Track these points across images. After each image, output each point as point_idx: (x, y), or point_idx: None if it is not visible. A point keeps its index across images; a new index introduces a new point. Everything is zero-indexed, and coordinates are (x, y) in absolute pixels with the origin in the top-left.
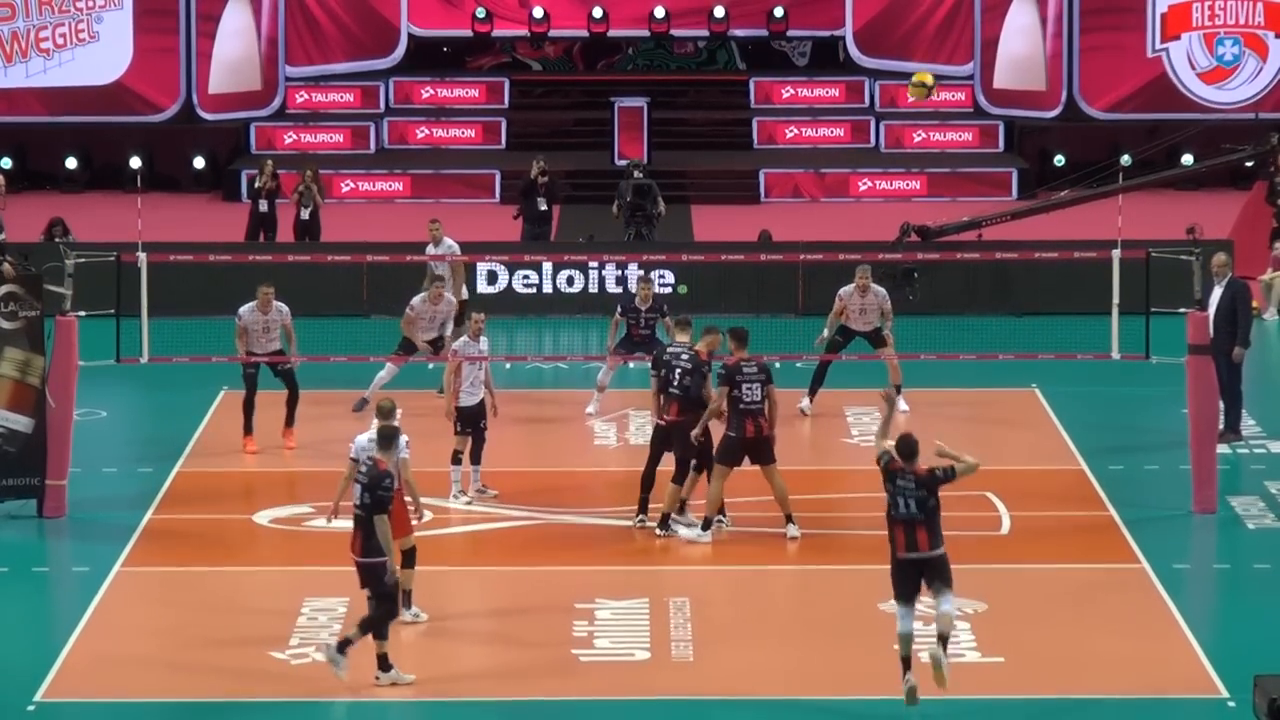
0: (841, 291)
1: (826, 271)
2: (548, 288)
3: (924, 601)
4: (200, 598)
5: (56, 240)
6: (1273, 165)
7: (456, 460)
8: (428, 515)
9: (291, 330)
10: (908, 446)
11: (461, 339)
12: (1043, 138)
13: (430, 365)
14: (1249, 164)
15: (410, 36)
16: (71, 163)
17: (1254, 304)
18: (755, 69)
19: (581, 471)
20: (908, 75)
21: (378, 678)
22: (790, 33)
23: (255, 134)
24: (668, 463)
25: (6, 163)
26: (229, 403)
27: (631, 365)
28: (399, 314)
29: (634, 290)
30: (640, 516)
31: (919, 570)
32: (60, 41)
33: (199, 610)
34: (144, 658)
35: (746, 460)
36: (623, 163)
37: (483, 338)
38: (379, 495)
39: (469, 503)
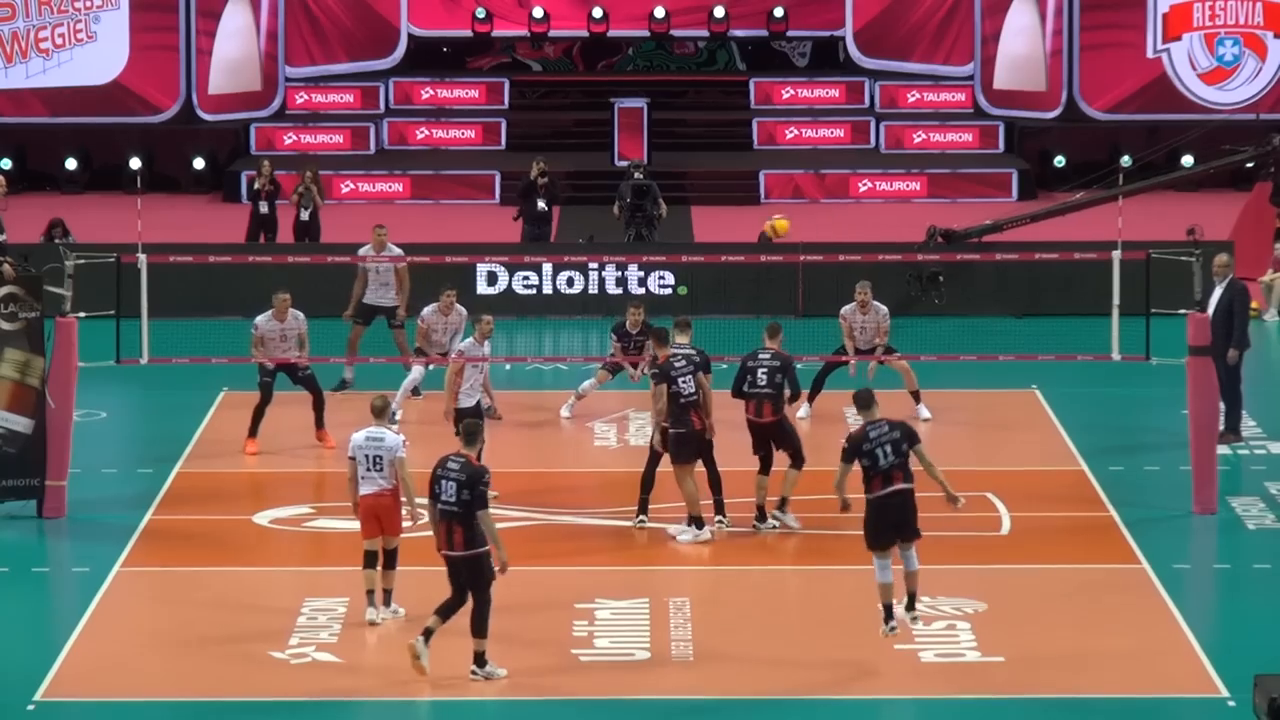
0: (844, 311)
1: (826, 272)
2: (548, 289)
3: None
4: (200, 598)
5: (56, 241)
6: (1275, 166)
7: None
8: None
9: (306, 338)
10: (865, 396)
11: (468, 340)
12: (1043, 138)
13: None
14: (1248, 165)
15: (410, 37)
16: (71, 163)
17: (1254, 305)
18: (755, 69)
19: (581, 472)
20: (908, 75)
21: (474, 672)
22: (790, 33)
23: (255, 134)
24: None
25: (6, 163)
26: (229, 403)
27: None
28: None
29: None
30: (640, 517)
31: (897, 509)
32: (59, 41)
33: (199, 610)
34: (144, 658)
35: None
36: (624, 163)
37: (486, 341)
38: (479, 491)
39: None
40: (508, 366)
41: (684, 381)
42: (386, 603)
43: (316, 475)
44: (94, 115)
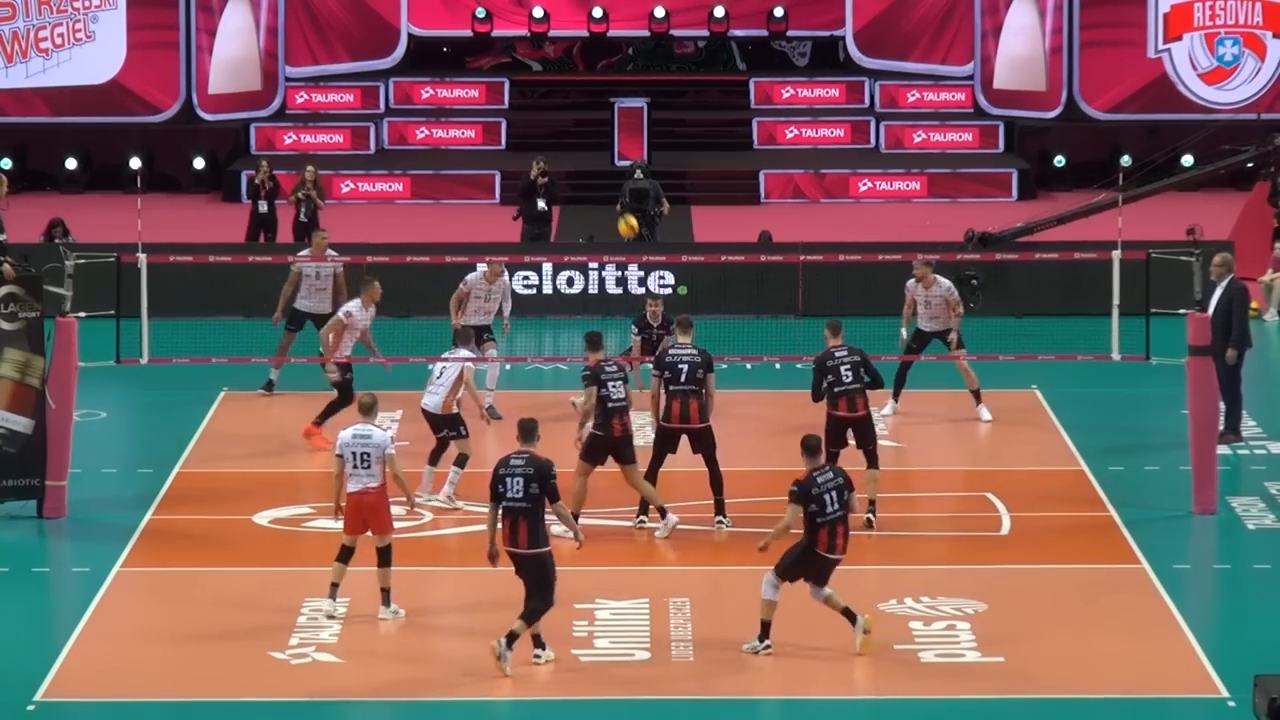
0: (907, 284)
1: (826, 272)
2: (547, 288)
3: (923, 601)
4: (200, 598)
5: (56, 241)
6: (1275, 166)
7: (459, 463)
8: (427, 515)
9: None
10: (813, 443)
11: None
12: (1043, 138)
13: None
14: (1249, 164)
15: (410, 36)
16: (71, 163)
17: (1254, 305)
18: (755, 69)
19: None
20: (908, 75)
21: (537, 656)
22: (790, 33)
23: (255, 134)
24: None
25: (7, 163)
26: (229, 403)
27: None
28: (398, 314)
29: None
30: (640, 517)
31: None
32: (59, 41)
33: (199, 610)
34: (144, 658)
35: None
36: (625, 163)
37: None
38: (550, 485)
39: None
40: (508, 366)
41: (613, 386)
42: (386, 602)
43: (317, 475)
44: (94, 115)
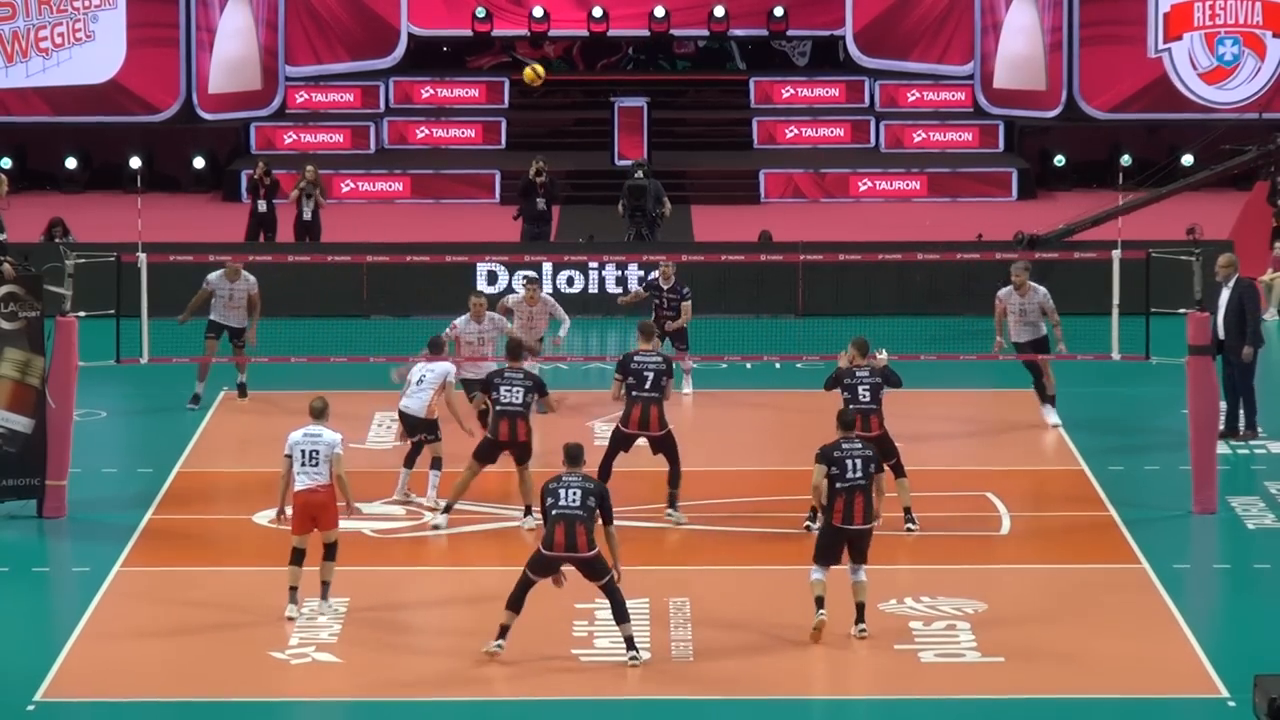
0: (1000, 293)
1: (826, 272)
2: (547, 288)
3: (923, 601)
4: (200, 598)
5: (56, 241)
6: (1275, 166)
7: (436, 465)
8: (426, 515)
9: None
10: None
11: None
12: (1043, 138)
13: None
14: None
15: (410, 36)
16: (71, 163)
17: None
18: (755, 69)
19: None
20: (908, 75)
21: (634, 658)
22: (790, 32)
23: (255, 134)
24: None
25: (6, 163)
26: (229, 403)
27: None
28: (399, 314)
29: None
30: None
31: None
32: (59, 41)
33: (199, 610)
34: (144, 658)
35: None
36: (626, 163)
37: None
38: (608, 504)
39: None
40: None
41: (505, 390)
42: (325, 596)
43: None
44: (94, 114)
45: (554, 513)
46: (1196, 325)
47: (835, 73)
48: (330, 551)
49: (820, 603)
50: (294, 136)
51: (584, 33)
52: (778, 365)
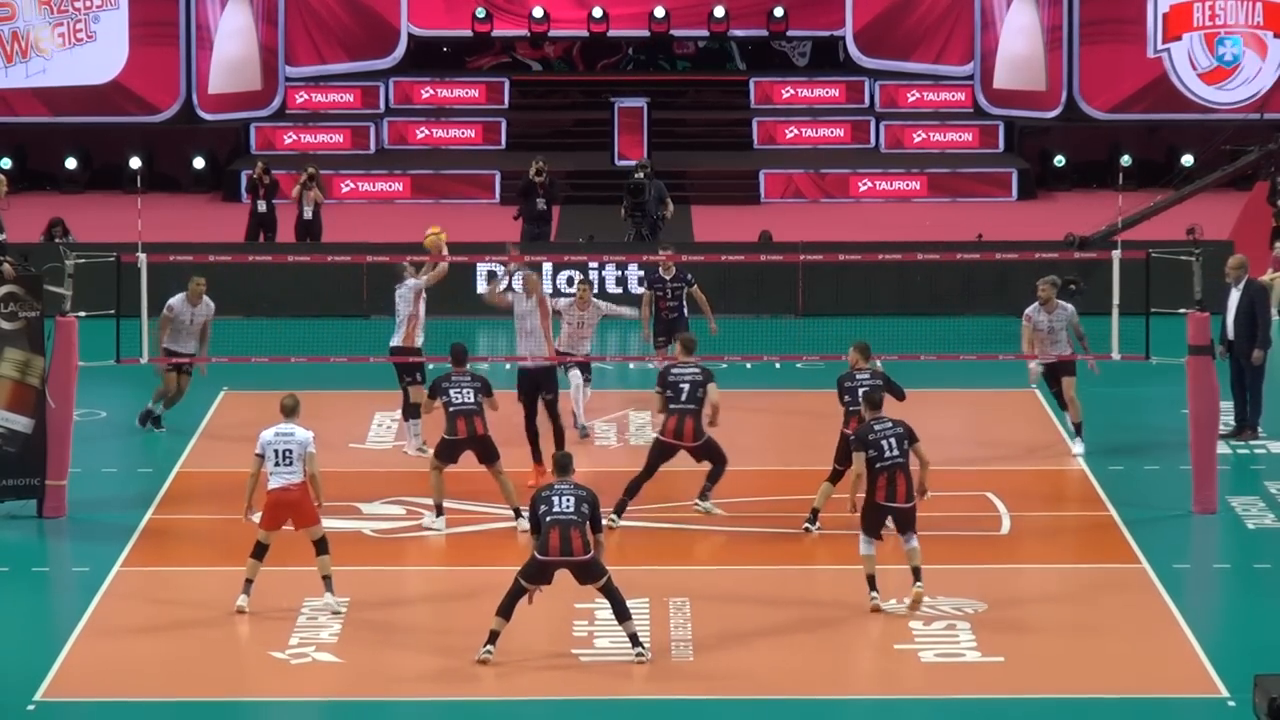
0: (1027, 311)
1: (826, 272)
2: (548, 288)
3: (923, 601)
4: (200, 598)
5: (56, 241)
6: (1275, 166)
7: (415, 414)
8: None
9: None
10: (876, 398)
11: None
12: (1043, 138)
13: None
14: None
15: (410, 36)
16: (71, 163)
17: None
18: (755, 69)
19: (581, 472)
20: (908, 75)
21: (640, 655)
22: (790, 33)
23: (255, 134)
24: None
25: (6, 163)
26: (229, 403)
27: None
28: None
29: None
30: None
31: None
32: (59, 41)
33: (199, 610)
34: (144, 657)
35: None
36: (628, 164)
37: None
38: (598, 512)
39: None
40: (507, 366)
41: (455, 393)
42: (330, 589)
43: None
44: (94, 115)
45: (548, 519)
46: (1196, 325)
47: (835, 73)
48: (321, 547)
49: (872, 582)
50: (294, 137)
51: (584, 33)
52: (778, 365)
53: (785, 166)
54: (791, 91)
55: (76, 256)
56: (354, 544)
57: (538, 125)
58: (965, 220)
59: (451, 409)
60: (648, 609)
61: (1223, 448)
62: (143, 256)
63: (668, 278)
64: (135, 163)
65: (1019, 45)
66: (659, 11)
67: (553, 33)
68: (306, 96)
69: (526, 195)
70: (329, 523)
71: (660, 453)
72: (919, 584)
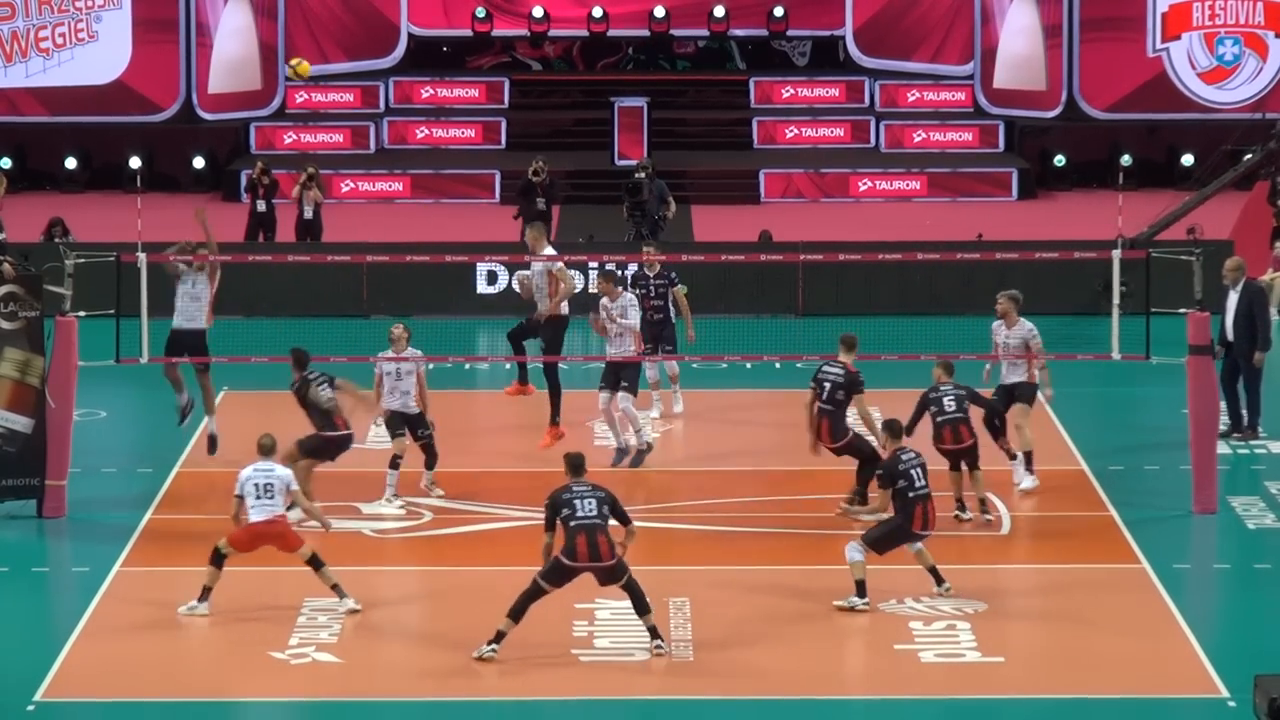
0: (994, 325)
1: (826, 272)
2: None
3: (923, 601)
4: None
5: (56, 240)
6: (1275, 166)
7: (394, 465)
8: (427, 515)
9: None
10: (896, 426)
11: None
12: (1043, 138)
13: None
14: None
15: (410, 36)
16: (71, 163)
17: None
18: (755, 69)
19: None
20: (908, 75)
21: (659, 647)
22: (790, 32)
23: (255, 134)
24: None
25: (6, 163)
26: (229, 403)
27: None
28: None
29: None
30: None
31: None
32: (60, 41)
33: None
34: (144, 658)
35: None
36: (631, 164)
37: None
38: (620, 509)
39: (402, 507)
40: (508, 365)
41: (319, 387)
42: (342, 595)
43: (317, 475)
44: (94, 115)
45: (573, 524)
46: (1196, 325)
47: (835, 73)
48: (315, 562)
49: (862, 588)
50: (294, 136)
51: (584, 33)
52: (778, 365)
53: (785, 166)
54: (791, 91)
55: (76, 256)
56: (354, 544)
57: (538, 125)
58: (965, 220)
59: (323, 407)
60: None
61: (1223, 448)
62: (143, 256)
63: (651, 275)
64: (135, 162)
65: (1019, 45)
66: (659, 11)
67: (553, 32)
68: (306, 96)
69: (526, 195)
70: (333, 524)
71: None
72: (946, 584)
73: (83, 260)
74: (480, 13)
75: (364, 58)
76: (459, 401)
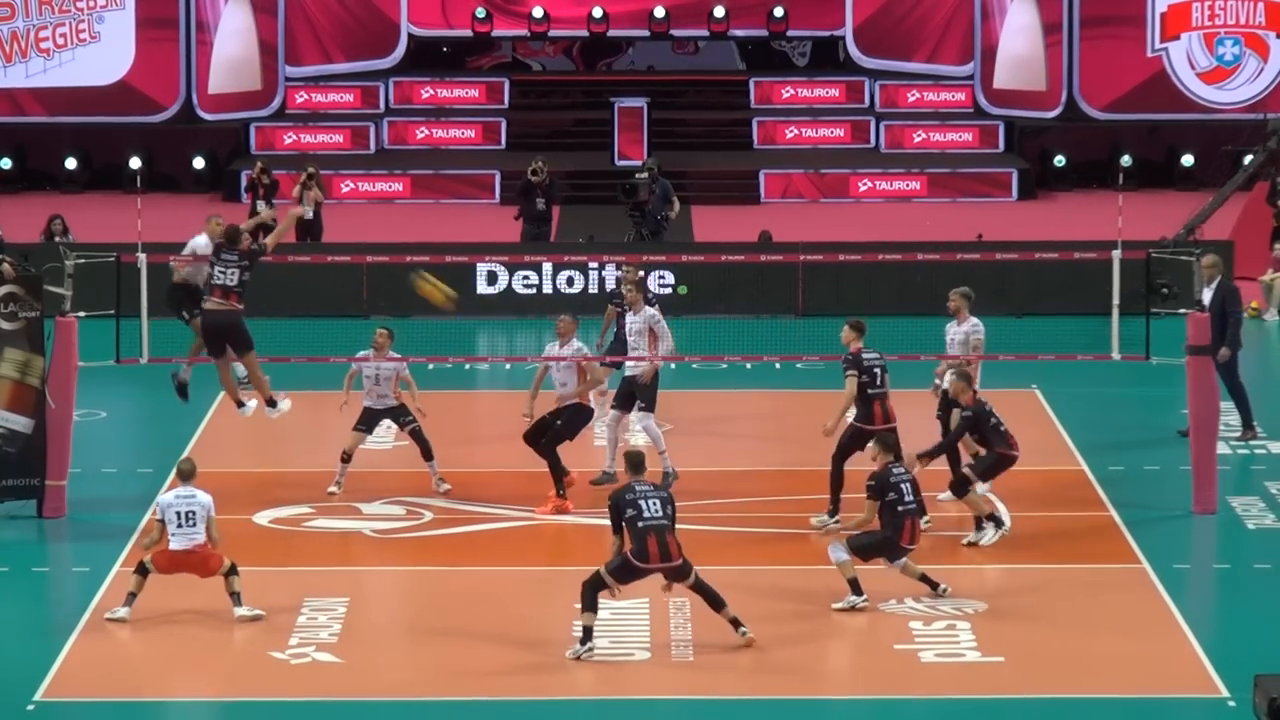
0: (947, 325)
1: (826, 272)
2: (548, 288)
3: (923, 601)
4: (200, 598)
5: (56, 240)
6: (1275, 166)
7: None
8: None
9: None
10: (891, 441)
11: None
12: (1043, 138)
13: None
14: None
15: (410, 36)
16: (71, 163)
17: (1254, 304)
18: (755, 69)
19: (581, 472)
20: (908, 75)
21: (745, 633)
22: (790, 33)
23: (255, 134)
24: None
25: (6, 163)
26: (228, 403)
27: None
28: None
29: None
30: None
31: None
32: (60, 41)
33: (199, 610)
34: (143, 657)
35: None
36: (633, 164)
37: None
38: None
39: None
40: (508, 366)
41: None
42: (238, 604)
43: (316, 475)
44: (94, 115)
45: (640, 525)
46: (1196, 325)
47: (835, 73)
48: (231, 570)
49: (856, 585)
50: (294, 137)
51: (584, 33)
52: (778, 365)
53: (785, 166)
54: (791, 91)
55: (76, 256)
56: (354, 544)
57: (538, 125)
58: (965, 220)
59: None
60: (648, 609)
61: (1223, 447)
62: (143, 256)
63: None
64: (135, 163)
65: (1019, 45)
66: (659, 11)
67: (553, 33)
68: (306, 96)
69: (526, 195)
70: (329, 523)
71: (856, 439)
72: (943, 586)
73: (83, 260)
74: (480, 13)
75: (364, 58)
76: (459, 402)
